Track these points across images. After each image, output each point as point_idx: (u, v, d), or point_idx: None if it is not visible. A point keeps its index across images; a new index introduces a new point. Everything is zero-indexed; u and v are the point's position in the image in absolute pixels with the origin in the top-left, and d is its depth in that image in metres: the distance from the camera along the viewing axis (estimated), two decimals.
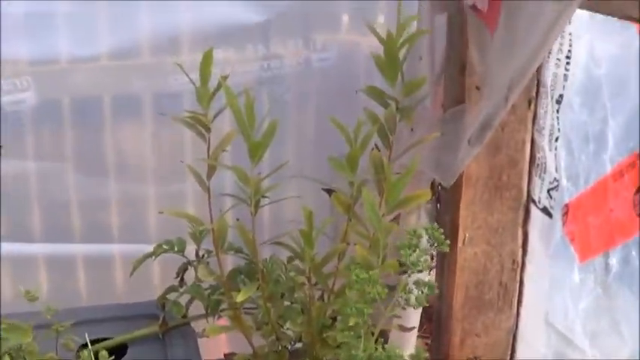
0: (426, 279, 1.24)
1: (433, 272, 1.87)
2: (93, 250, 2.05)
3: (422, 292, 1.22)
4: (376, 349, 1.27)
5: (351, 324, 1.27)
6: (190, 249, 1.74)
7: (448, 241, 1.24)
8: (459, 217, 1.72)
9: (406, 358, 1.30)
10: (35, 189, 1.97)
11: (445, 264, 1.80)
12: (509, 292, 1.79)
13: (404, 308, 1.24)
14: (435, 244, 1.23)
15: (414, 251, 1.22)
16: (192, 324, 1.77)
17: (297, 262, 1.67)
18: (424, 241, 1.24)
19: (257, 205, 1.56)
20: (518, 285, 1.79)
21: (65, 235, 2.02)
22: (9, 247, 1.98)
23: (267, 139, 1.51)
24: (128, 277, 1.72)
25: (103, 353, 1.48)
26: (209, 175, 1.59)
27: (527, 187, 1.73)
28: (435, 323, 1.89)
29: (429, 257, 1.25)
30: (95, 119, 1.96)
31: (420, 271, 1.24)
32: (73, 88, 1.93)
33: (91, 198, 2.01)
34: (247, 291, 1.60)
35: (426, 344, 2.01)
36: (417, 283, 1.23)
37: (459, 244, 1.74)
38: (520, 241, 1.77)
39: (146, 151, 2.01)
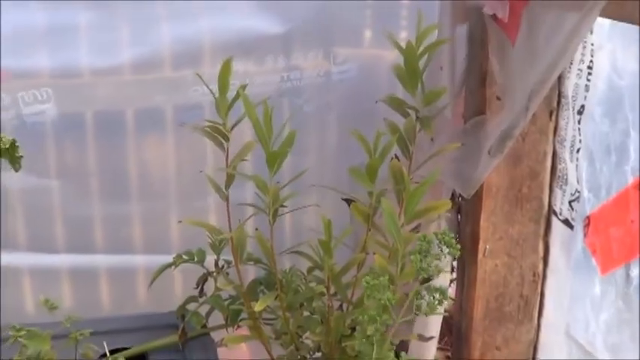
0: (439, 285, 1.22)
1: (454, 284, 1.87)
2: (115, 262, 2.05)
3: (433, 299, 1.21)
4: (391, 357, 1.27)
5: (368, 333, 1.26)
6: (211, 259, 1.74)
7: (459, 246, 1.23)
8: (479, 228, 1.71)
9: None
10: (57, 200, 1.97)
11: (465, 276, 1.79)
12: (529, 305, 1.78)
13: (416, 314, 1.23)
14: (447, 250, 1.22)
15: (425, 257, 1.21)
16: (212, 334, 1.77)
17: (316, 271, 1.67)
18: (435, 247, 1.23)
19: (275, 215, 1.56)
20: (538, 297, 1.78)
21: (88, 246, 2.02)
22: (32, 259, 1.98)
23: (284, 148, 1.51)
24: (150, 288, 1.72)
25: None
26: (227, 184, 1.59)
27: (548, 198, 1.72)
28: (455, 335, 1.88)
29: (440, 263, 1.23)
30: (117, 132, 1.96)
31: (431, 277, 1.22)
32: (94, 100, 1.93)
33: (113, 209, 2.00)
34: (265, 300, 1.60)
35: (447, 357, 2.00)
36: (428, 289, 1.22)
37: (480, 255, 1.73)
38: (541, 253, 1.75)
39: (168, 163, 2.02)
